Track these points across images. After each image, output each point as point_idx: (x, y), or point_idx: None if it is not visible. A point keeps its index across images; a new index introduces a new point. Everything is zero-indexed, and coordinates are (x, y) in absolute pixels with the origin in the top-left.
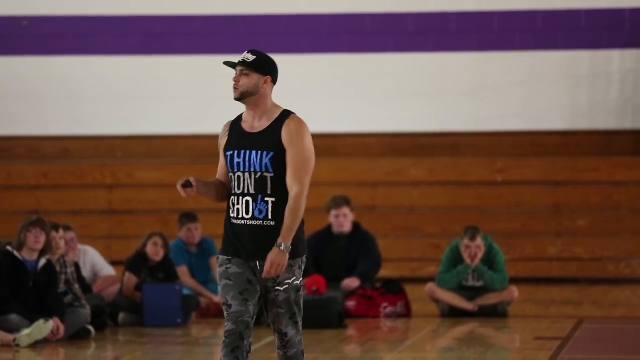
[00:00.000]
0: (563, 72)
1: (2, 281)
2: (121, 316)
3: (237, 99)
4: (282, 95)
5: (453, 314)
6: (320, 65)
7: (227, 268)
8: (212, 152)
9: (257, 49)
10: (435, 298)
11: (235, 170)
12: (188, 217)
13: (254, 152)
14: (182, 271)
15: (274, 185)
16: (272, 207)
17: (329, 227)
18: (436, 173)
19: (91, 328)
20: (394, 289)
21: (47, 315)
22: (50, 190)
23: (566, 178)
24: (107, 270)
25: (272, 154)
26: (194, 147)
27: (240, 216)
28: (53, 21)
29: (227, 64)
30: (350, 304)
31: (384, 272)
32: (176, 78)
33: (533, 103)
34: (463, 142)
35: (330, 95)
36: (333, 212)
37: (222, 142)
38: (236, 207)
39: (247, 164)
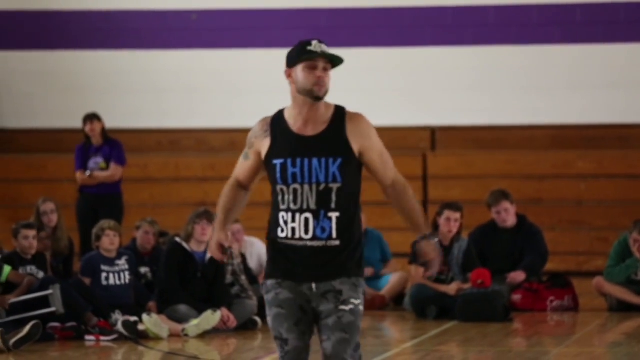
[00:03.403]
0: None
1: (171, 272)
2: None
3: (320, 99)
4: (449, 87)
5: (621, 308)
6: (488, 57)
7: (277, 294)
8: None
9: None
10: (603, 292)
11: (290, 183)
12: None
13: (315, 160)
14: None
15: (338, 197)
16: (337, 224)
17: (494, 220)
18: (604, 166)
19: (258, 319)
20: (561, 282)
21: (215, 306)
22: (218, 182)
23: None
24: None
25: (339, 160)
26: None
27: (297, 236)
28: (221, 15)
29: (324, 55)
30: (516, 297)
31: (550, 266)
32: (343, 70)
33: None
34: (632, 134)
35: (497, 87)
36: (493, 209)
37: (259, 143)
38: (290, 225)
39: (306, 174)
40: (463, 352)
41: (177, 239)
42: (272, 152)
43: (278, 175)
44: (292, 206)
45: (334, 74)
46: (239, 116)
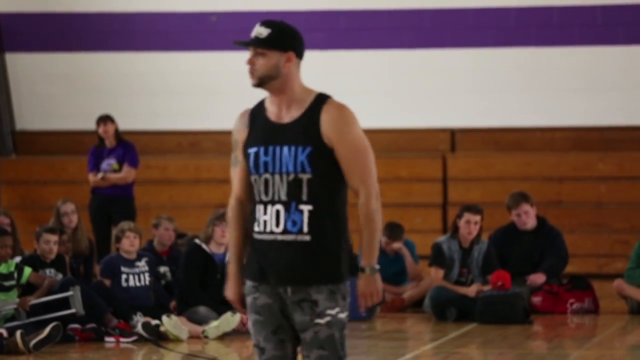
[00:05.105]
0: None
1: (191, 274)
2: None
3: (256, 86)
4: (469, 89)
5: None
6: (508, 58)
7: (254, 298)
8: (396, 147)
9: (272, 20)
10: (624, 294)
11: (262, 172)
12: None
13: (285, 148)
14: None
15: (310, 189)
16: (309, 217)
17: (513, 222)
18: (625, 168)
19: None
20: (581, 285)
21: (234, 308)
22: None
23: None
24: None
25: (309, 149)
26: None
27: (268, 230)
28: (240, 17)
29: (238, 43)
30: (536, 299)
31: (570, 268)
32: (363, 72)
33: None
34: None
35: (517, 89)
36: (513, 211)
37: (240, 136)
38: (262, 218)
39: (277, 163)
40: (483, 355)
41: (197, 241)
42: (247, 142)
43: (251, 164)
44: (263, 197)
45: (355, 78)
46: None
